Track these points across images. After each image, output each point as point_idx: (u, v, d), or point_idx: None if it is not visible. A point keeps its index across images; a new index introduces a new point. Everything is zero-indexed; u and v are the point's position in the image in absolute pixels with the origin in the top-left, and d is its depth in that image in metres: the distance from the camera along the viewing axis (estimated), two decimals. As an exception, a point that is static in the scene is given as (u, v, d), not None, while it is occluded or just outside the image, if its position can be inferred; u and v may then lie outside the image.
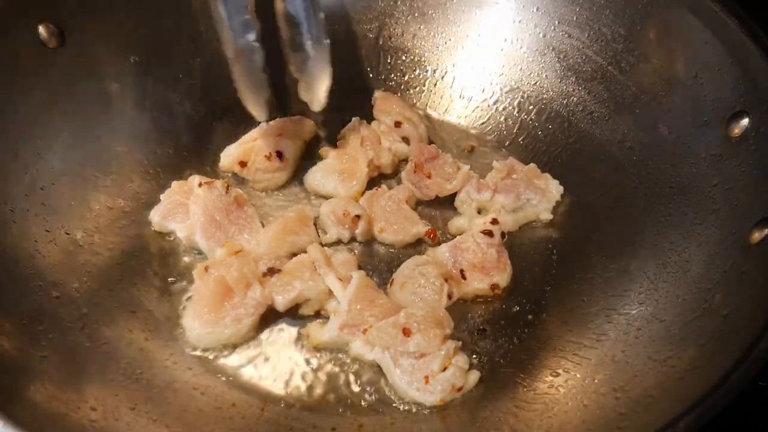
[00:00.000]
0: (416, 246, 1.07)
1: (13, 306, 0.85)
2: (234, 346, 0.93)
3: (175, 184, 1.06)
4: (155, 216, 1.03)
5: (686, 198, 0.96)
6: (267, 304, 0.94)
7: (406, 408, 0.89)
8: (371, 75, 1.27)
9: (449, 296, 0.97)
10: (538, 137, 1.18)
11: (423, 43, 1.26)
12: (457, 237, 1.04)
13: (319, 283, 0.95)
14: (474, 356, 0.94)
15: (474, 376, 0.90)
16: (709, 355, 0.78)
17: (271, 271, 0.96)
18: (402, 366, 0.89)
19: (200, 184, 1.03)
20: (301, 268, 0.96)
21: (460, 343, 0.92)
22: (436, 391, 0.87)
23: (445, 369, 0.88)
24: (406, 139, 1.16)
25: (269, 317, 0.95)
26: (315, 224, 1.06)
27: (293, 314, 0.96)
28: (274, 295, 0.94)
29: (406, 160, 1.15)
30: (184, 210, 1.03)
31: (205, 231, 1.00)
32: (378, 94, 1.20)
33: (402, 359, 0.89)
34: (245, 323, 0.92)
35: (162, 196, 1.05)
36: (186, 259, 1.03)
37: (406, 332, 0.88)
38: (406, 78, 1.27)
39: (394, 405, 0.89)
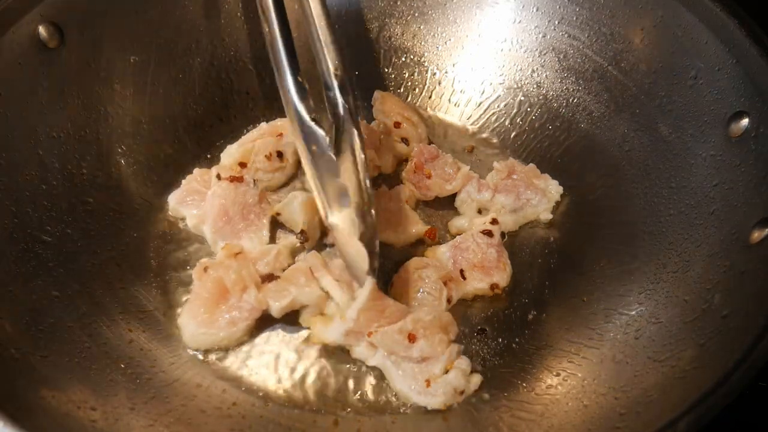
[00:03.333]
0: (416, 246, 1.07)
1: (14, 306, 0.85)
2: (234, 348, 0.93)
3: (196, 170, 1.08)
4: (172, 200, 1.06)
5: (686, 198, 0.96)
6: (262, 309, 0.93)
7: (406, 408, 0.89)
8: (371, 75, 1.27)
9: (448, 300, 0.97)
10: (538, 137, 1.18)
11: (423, 43, 1.26)
12: (457, 237, 1.04)
13: (315, 289, 0.94)
14: (474, 356, 0.94)
15: (476, 379, 0.90)
16: (709, 355, 0.78)
17: (269, 277, 0.96)
18: (404, 370, 0.88)
19: (218, 176, 1.04)
20: (297, 274, 0.95)
21: (462, 346, 0.92)
22: (437, 394, 0.86)
23: (447, 372, 0.88)
24: (406, 140, 1.16)
25: (268, 321, 0.95)
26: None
27: (291, 320, 0.96)
28: (269, 301, 0.93)
29: (406, 160, 1.15)
30: (200, 197, 1.04)
31: (214, 222, 1.01)
32: (378, 94, 1.20)
33: (404, 363, 0.88)
34: (239, 327, 0.92)
35: (183, 181, 1.07)
36: (186, 259, 1.03)
37: (412, 338, 0.87)
38: (406, 78, 1.27)
39: (394, 405, 0.89)
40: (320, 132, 0.86)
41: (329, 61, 0.92)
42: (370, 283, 0.88)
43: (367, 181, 0.88)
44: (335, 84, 0.89)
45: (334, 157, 0.85)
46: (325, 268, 0.96)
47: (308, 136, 0.87)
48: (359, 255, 0.87)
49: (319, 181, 0.89)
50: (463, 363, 0.89)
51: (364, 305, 0.89)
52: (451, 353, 0.89)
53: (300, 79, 0.90)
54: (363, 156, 0.88)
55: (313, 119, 0.86)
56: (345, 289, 0.93)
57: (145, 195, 1.07)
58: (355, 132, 0.88)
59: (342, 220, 0.88)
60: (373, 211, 0.88)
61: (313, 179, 0.90)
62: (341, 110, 0.88)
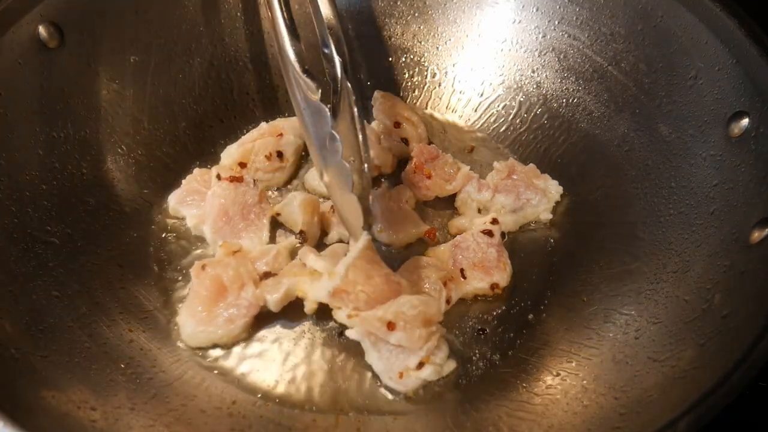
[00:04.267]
0: (416, 246, 1.07)
1: (14, 305, 0.85)
2: (233, 345, 0.93)
3: (196, 170, 1.08)
4: (172, 200, 1.06)
5: (686, 198, 0.96)
6: (260, 306, 0.93)
7: (406, 408, 0.89)
8: (371, 75, 1.27)
9: (448, 301, 0.97)
10: (538, 137, 1.18)
11: (423, 43, 1.26)
12: (457, 236, 1.04)
13: (306, 277, 0.93)
14: (474, 356, 0.94)
15: (450, 365, 0.90)
16: (709, 355, 0.78)
17: (267, 275, 0.96)
18: (380, 352, 0.88)
19: (218, 176, 1.04)
20: (292, 268, 0.96)
21: (445, 330, 0.92)
22: (408, 385, 0.88)
23: (422, 365, 0.88)
24: (406, 140, 1.16)
25: (267, 318, 0.95)
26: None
27: (289, 316, 0.96)
28: (266, 296, 0.94)
29: (406, 160, 1.15)
30: (200, 197, 1.05)
31: (214, 222, 1.01)
32: (378, 94, 1.20)
33: (382, 345, 0.88)
34: (237, 324, 0.92)
35: (183, 181, 1.07)
36: (186, 259, 1.03)
37: (391, 327, 0.87)
38: (406, 78, 1.27)
39: (393, 404, 0.89)
40: (311, 83, 0.84)
41: (324, 17, 0.92)
42: (365, 237, 0.89)
43: (363, 138, 0.87)
44: (331, 41, 0.89)
45: (325, 107, 0.84)
46: (313, 253, 0.96)
47: (299, 85, 0.85)
48: (354, 210, 0.87)
49: (312, 132, 0.87)
50: (439, 356, 0.89)
51: (355, 261, 0.88)
52: (430, 348, 0.88)
53: (294, 29, 0.88)
54: (357, 112, 0.86)
55: (306, 70, 0.85)
56: (329, 262, 0.91)
57: (145, 195, 1.07)
58: (350, 88, 0.86)
59: (336, 174, 0.86)
60: (366, 167, 0.87)
61: (305, 130, 0.88)
62: (338, 66, 0.87)
